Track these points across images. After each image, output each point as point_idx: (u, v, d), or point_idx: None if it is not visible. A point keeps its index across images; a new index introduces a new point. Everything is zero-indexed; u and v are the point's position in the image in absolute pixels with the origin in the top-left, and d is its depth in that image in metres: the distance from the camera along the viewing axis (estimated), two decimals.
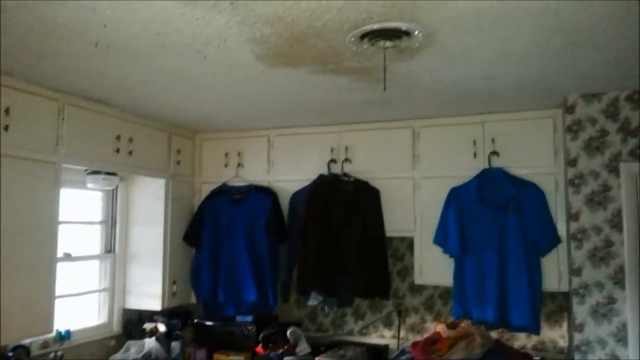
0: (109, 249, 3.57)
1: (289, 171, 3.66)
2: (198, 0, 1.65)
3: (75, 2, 1.66)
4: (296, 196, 3.56)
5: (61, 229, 2.82)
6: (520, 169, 3.11)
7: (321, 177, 3.49)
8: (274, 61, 2.23)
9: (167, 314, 3.55)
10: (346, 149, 3.51)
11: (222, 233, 3.65)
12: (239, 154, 3.79)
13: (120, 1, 1.66)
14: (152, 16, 1.77)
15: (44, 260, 2.66)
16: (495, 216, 3.08)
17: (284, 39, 1.97)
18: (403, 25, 1.83)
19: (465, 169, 3.20)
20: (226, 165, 3.81)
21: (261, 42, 2.00)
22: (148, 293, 3.50)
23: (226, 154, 3.82)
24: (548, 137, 3.08)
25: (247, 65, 2.28)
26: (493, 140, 3.17)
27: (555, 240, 3.00)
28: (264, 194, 3.63)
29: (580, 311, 2.75)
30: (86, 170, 3.14)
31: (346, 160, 3.49)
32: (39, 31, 1.91)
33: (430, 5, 1.69)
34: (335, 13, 1.74)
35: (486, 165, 3.16)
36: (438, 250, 3.21)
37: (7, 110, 2.44)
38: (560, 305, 3.28)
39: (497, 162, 3.15)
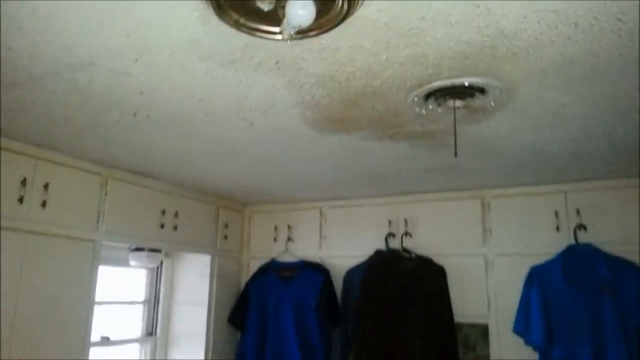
0: (150, 331, 3.31)
1: (342, 246, 3.37)
2: (240, 62, 1.46)
3: (109, 68, 1.52)
4: (351, 273, 3.22)
5: (101, 310, 2.60)
6: (612, 245, 2.66)
7: (378, 253, 3.15)
8: (325, 126, 2.00)
9: None
10: (406, 221, 3.18)
11: (269, 315, 3.33)
12: (289, 227, 3.54)
13: (156, 66, 1.50)
14: (192, 80, 1.60)
15: (76, 344, 2.44)
16: (588, 301, 2.61)
17: (336, 101, 1.74)
18: (478, 81, 1.55)
19: (547, 245, 2.80)
20: (275, 240, 3.56)
21: (311, 105, 1.78)
22: None
23: (275, 228, 3.58)
24: None
25: (296, 131, 2.06)
26: (578, 212, 2.75)
27: None
28: (316, 271, 3.32)
29: None
30: (129, 247, 2.97)
31: (406, 234, 3.15)
32: (74, 101, 1.79)
33: (511, 57, 1.41)
34: (397, 69, 1.50)
35: (572, 241, 2.74)
36: (518, 340, 2.74)
37: (45, 186, 2.32)
38: None
39: (584, 237, 2.72)
